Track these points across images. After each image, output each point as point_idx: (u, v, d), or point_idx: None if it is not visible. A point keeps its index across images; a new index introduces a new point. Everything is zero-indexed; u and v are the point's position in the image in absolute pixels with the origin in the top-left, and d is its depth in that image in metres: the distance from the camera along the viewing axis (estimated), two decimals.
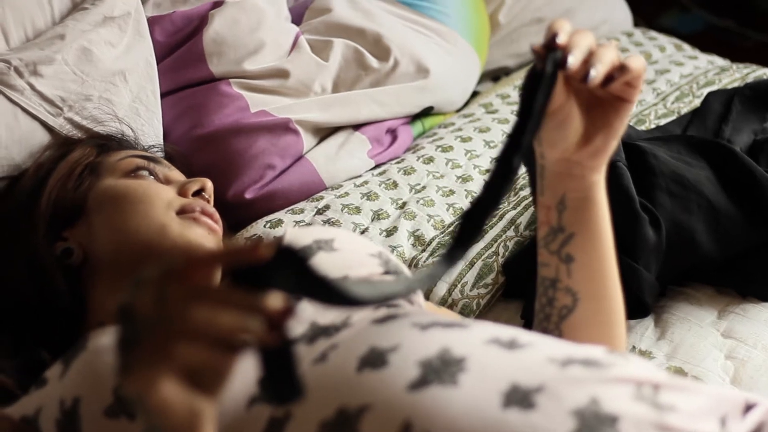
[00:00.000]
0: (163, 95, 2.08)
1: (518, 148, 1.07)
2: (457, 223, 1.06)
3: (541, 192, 1.27)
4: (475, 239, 1.08)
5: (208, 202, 1.57)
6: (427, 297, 1.79)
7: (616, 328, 1.33)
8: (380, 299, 0.96)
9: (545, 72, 1.07)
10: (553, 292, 1.30)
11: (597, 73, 1.09)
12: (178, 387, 0.83)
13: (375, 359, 1.07)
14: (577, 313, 1.29)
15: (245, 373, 1.00)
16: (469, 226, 1.07)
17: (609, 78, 1.11)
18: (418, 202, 2.03)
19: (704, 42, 3.01)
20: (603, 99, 1.18)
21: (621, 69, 1.11)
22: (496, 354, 1.07)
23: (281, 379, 0.84)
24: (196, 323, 0.82)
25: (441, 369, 1.04)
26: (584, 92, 1.18)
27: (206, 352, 0.83)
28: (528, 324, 1.64)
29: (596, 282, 1.29)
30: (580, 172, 1.23)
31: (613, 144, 1.21)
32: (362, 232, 1.96)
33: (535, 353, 1.07)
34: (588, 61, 1.09)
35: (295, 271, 0.84)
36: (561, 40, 1.08)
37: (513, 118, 1.16)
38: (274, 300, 0.81)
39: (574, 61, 1.07)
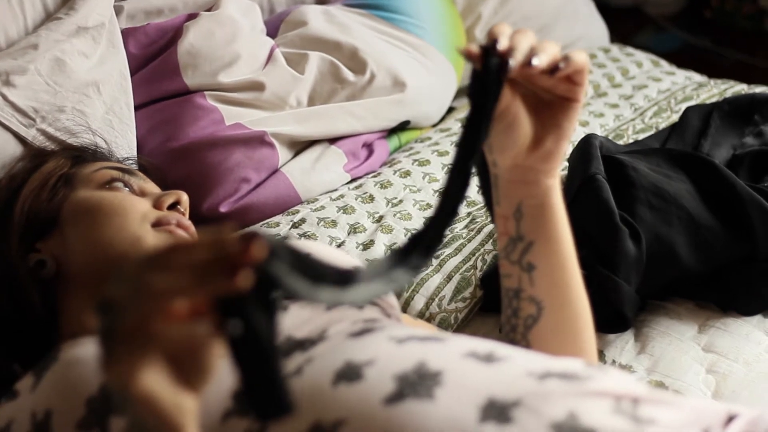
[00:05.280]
0: (137, 107, 2.07)
1: (472, 152, 1.06)
2: (417, 231, 1.04)
3: (497, 202, 1.26)
4: (438, 248, 1.06)
5: (184, 215, 1.55)
6: (404, 310, 1.78)
7: (584, 334, 1.31)
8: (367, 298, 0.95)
9: (489, 76, 1.06)
10: (517, 302, 1.28)
11: (540, 61, 1.08)
12: (161, 378, 0.82)
13: (350, 373, 1.06)
14: (542, 322, 1.27)
15: (220, 386, 0.99)
16: (432, 233, 1.05)
17: (554, 68, 1.10)
18: (395, 215, 2.02)
19: (680, 61, 3.01)
20: (550, 101, 1.17)
21: (564, 60, 1.11)
22: (473, 367, 1.06)
23: (266, 392, 0.82)
24: (164, 287, 0.81)
25: (417, 383, 1.03)
26: (531, 95, 1.17)
27: (183, 329, 0.81)
28: None
29: (560, 288, 1.27)
30: (534, 177, 1.22)
31: (564, 146, 1.20)
32: (339, 246, 1.95)
33: (513, 367, 1.06)
34: (530, 54, 1.08)
35: (292, 264, 0.83)
36: (502, 45, 1.07)
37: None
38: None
39: (515, 63, 1.06)
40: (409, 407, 1.00)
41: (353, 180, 2.22)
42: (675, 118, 2.34)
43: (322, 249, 1.45)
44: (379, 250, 1.92)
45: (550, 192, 1.23)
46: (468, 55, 1.08)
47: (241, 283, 0.78)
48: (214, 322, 0.80)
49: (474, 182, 1.06)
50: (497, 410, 0.99)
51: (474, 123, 1.07)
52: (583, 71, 1.14)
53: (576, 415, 0.99)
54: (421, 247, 1.04)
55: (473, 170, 1.07)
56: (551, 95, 1.17)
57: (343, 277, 0.90)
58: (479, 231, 1.96)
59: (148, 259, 0.83)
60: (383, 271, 0.99)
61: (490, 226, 1.95)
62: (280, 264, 0.81)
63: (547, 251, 1.25)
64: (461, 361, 1.07)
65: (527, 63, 1.08)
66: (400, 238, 1.95)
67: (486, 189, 1.27)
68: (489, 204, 1.28)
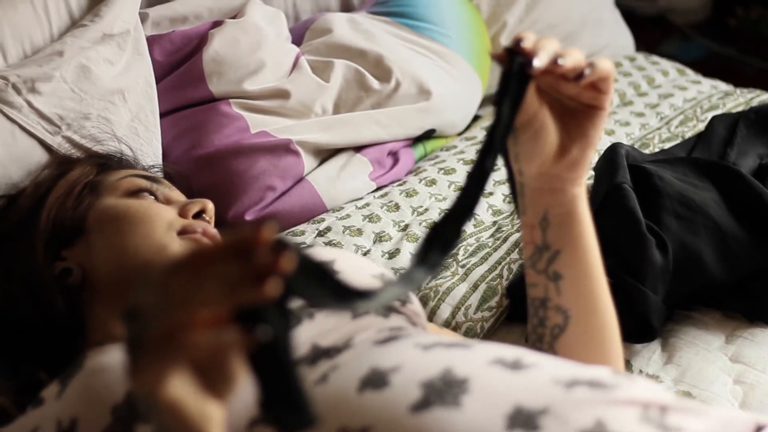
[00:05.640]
0: (162, 115, 2.07)
1: (491, 149, 1.07)
2: (432, 228, 1.04)
3: (523, 211, 1.26)
4: (455, 245, 1.06)
5: (209, 223, 1.55)
6: (430, 319, 1.78)
7: (610, 344, 1.31)
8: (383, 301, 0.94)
9: (513, 74, 1.08)
10: (543, 311, 1.28)
11: (564, 62, 1.09)
12: (187, 386, 0.81)
13: (376, 380, 1.06)
14: (569, 332, 1.27)
15: (245, 393, 0.98)
16: (449, 231, 1.05)
17: (579, 75, 1.11)
18: (420, 224, 2.02)
19: (706, 70, 2.99)
20: (576, 109, 1.18)
21: (590, 67, 1.12)
22: (499, 375, 1.05)
23: (287, 403, 0.81)
24: (191, 296, 0.80)
25: (443, 390, 1.02)
26: (557, 103, 1.18)
27: (210, 337, 0.80)
28: None
29: (586, 298, 1.27)
30: (560, 185, 1.22)
31: (590, 154, 1.21)
32: (364, 254, 1.95)
33: (540, 374, 1.06)
34: (555, 57, 1.10)
35: (316, 279, 0.82)
36: (525, 45, 1.08)
37: None
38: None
39: (539, 63, 1.08)
40: (436, 415, 1.00)
41: (378, 188, 2.21)
42: (701, 127, 2.33)
43: (348, 257, 1.45)
44: (404, 259, 1.91)
45: (576, 200, 1.23)
46: (495, 58, 1.09)
47: (270, 292, 0.78)
48: (240, 329, 0.80)
49: (501, 191, 1.06)
50: (524, 418, 0.99)
51: (498, 121, 1.08)
52: (608, 79, 1.15)
53: (603, 423, 0.98)
54: (438, 245, 1.03)
55: (493, 168, 1.08)
56: (577, 103, 1.17)
57: (361, 292, 0.89)
58: (505, 240, 1.95)
59: (174, 266, 0.82)
60: (402, 274, 0.99)
61: (516, 235, 1.94)
62: (304, 273, 0.81)
63: (574, 260, 1.25)
64: (488, 368, 1.06)
65: (552, 62, 1.08)
66: None
67: (516, 198, 1.27)
68: (519, 213, 1.28)
